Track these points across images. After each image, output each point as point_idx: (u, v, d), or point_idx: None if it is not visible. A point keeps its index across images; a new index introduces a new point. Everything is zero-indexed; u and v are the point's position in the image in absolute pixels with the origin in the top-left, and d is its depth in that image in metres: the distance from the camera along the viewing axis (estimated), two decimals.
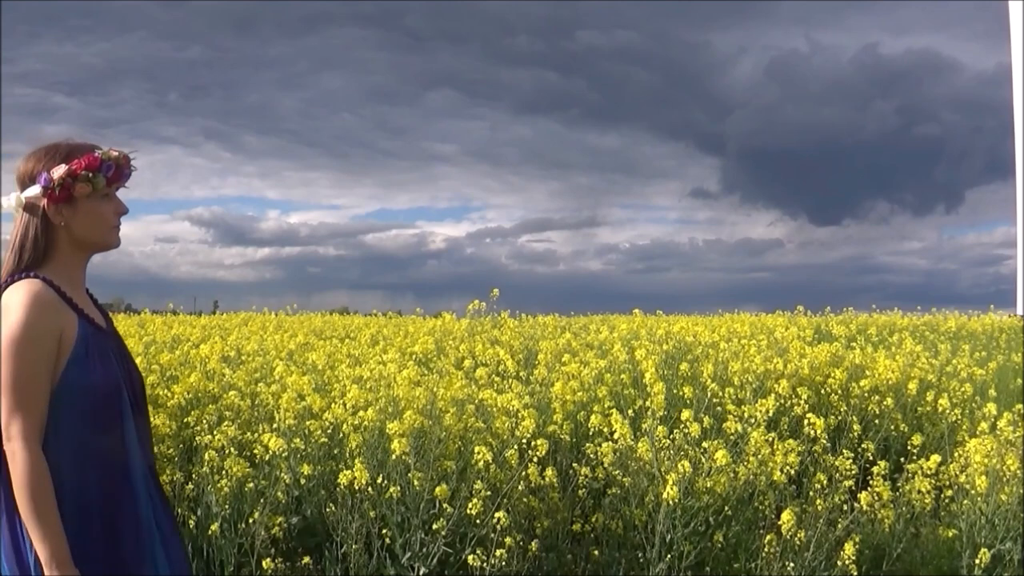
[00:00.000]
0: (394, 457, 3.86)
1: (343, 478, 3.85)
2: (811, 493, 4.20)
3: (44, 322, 1.89)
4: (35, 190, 1.97)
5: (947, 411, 5.28)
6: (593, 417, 4.54)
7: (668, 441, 4.19)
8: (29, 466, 1.82)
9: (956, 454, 4.55)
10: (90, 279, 2.12)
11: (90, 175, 1.97)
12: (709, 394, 4.91)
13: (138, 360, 4.58)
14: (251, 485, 4.01)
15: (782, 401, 4.96)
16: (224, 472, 3.94)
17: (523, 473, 4.10)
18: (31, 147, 2.04)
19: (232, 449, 4.14)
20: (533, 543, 3.91)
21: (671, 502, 3.82)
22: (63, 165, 1.96)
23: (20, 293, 1.91)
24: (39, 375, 1.87)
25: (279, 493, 4.05)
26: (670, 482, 3.82)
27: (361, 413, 4.20)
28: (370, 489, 3.85)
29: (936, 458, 4.42)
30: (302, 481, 4.11)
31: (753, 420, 4.53)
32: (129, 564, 1.95)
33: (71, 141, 2.03)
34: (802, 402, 4.99)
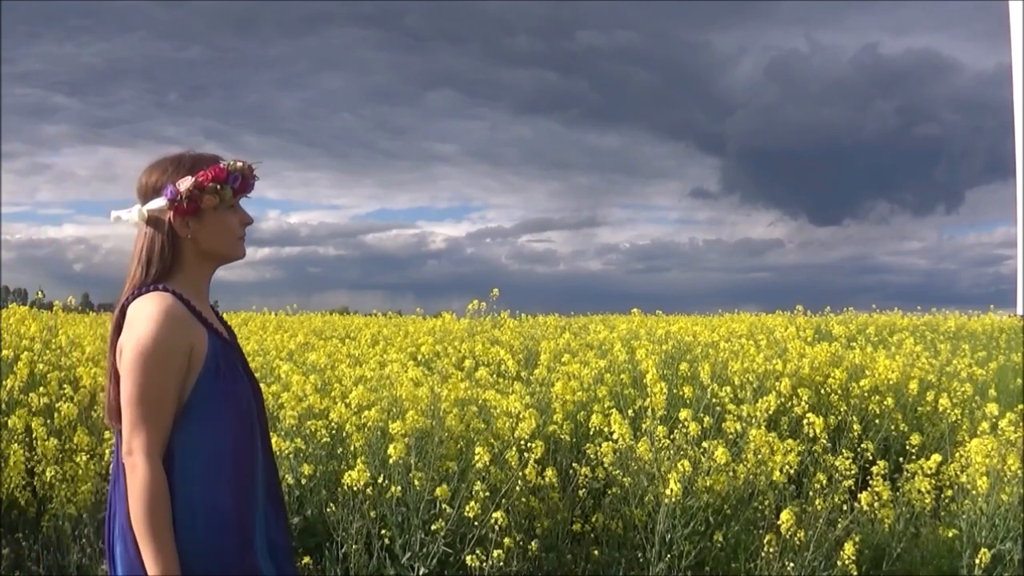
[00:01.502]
0: (393, 458, 3.86)
1: (347, 479, 3.85)
2: (811, 493, 4.20)
3: (175, 337, 1.85)
4: (160, 202, 1.92)
5: (947, 411, 5.28)
6: (593, 417, 4.54)
7: (668, 441, 4.19)
8: (149, 481, 1.78)
9: (956, 454, 4.55)
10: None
11: (218, 187, 1.93)
12: (709, 394, 4.92)
13: None
14: None
15: (782, 401, 4.97)
16: None
17: (522, 473, 4.10)
18: (151, 162, 1.98)
19: None
20: (533, 543, 3.91)
21: (672, 501, 3.82)
22: (189, 177, 1.92)
23: (151, 306, 1.86)
24: (166, 391, 1.83)
25: None
26: (672, 480, 3.82)
27: (365, 413, 4.20)
28: (369, 490, 3.84)
29: (936, 458, 4.42)
30: (303, 481, 4.11)
31: (753, 420, 4.54)
32: None
33: (193, 152, 1.98)
34: (802, 402, 5.00)
